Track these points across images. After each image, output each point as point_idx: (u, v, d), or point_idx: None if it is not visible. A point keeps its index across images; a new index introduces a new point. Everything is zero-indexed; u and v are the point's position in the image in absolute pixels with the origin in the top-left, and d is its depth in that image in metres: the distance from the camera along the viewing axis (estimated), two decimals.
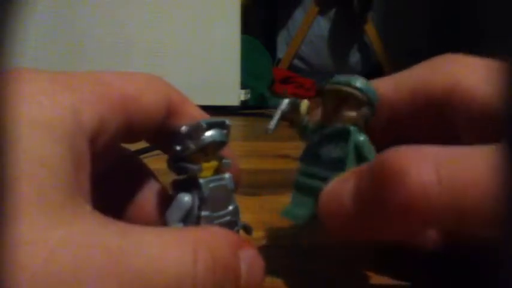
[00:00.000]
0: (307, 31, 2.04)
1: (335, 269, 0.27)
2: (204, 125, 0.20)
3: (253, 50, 1.45)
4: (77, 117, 0.17)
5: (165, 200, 0.22)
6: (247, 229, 0.23)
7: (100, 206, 0.16)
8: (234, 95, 1.20)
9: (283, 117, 0.23)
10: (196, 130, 0.20)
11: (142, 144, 0.24)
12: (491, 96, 0.20)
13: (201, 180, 0.21)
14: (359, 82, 0.22)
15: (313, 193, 0.21)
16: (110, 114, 0.18)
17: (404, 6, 2.12)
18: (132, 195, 0.23)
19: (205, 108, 0.23)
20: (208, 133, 0.21)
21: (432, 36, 2.07)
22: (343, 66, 2.22)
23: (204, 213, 0.21)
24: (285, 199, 0.25)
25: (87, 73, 0.19)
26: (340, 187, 0.20)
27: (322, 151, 0.23)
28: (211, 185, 0.21)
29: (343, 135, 0.22)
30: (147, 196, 0.23)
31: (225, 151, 0.22)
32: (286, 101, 0.24)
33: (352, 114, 0.22)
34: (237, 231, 0.22)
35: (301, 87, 1.85)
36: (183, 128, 0.20)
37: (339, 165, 0.21)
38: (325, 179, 0.21)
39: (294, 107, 0.24)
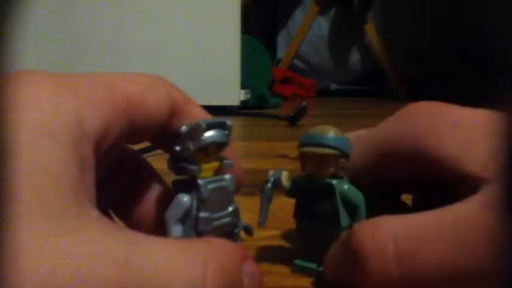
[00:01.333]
0: (307, 31, 2.05)
1: None
2: (204, 126, 0.20)
3: (253, 50, 1.45)
4: (81, 122, 0.16)
5: (168, 200, 0.22)
6: (248, 230, 0.23)
7: (103, 206, 0.16)
8: (234, 95, 1.20)
9: (270, 200, 0.25)
10: (196, 130, 0.20)
11: (144, 144, 0.24)
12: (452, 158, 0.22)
13: (200, 181, 0.21)
14: (330, 139, 0.24)
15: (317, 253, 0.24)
16: (113, 117, 0.18)
17: (405, 6, 2.12)
18: (135, 194, 0.23)
19: (205, 108, 0.23)
20: (209, 133, 0.20)
21: (432, 36, 2.07)
22: (343, 66, 2.22)
23: (202, 214, 0.20)
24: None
25: (90, 75, 0.19)
26: (333, 253, 0.23)
27: (314, 208, 0.25)
28: (210, 186, 0.21)
29: (328, 190, 0.24)
30: (150, 195, 0.23)
31: (227, 151, 0.22)
32: (268, 187, 0.25)
33: (331, 169, 0.24)
34: (238, 232, 0.22)
35: (301, 87, 1.85)
36: (183, 128, 0.20)
37: (333, 218, 0.24)
38: (325, 232, 0.24)
39: (276, 185, 0.25)
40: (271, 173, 0.25)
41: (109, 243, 0.15)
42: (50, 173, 0.14)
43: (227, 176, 0.22)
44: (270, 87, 1.55)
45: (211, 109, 0.27)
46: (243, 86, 1.24)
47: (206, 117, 0.22)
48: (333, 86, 2.23)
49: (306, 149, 0.24)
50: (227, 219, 0.21)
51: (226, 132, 0.21)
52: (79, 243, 0.14)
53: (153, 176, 0.24)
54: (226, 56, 1.20)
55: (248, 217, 0.24)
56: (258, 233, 0.25)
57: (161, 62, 1.17)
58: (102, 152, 0.18)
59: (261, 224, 0.25)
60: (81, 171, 0.16)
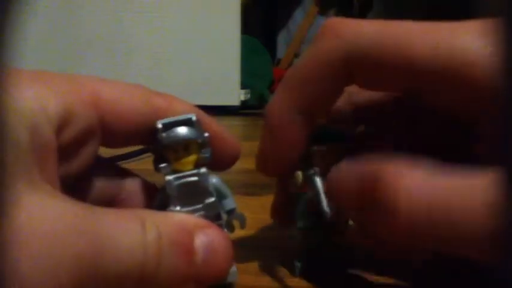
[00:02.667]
0: (307, 31, 2.05)
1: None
2: (160, 126, 0.21)
3: (253, 50, 1.45)
4: (44, 107, 0.18)
5: (144, 194, 0.24)
6: (241, 221, 0.24)
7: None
8: (234, 95, 1.20)
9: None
10: (155, 131, 0.21)
11: (134, 147, 0.24)
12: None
13: (168, 177, 0.22)
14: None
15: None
16: (78, 106, 0.19)
17: (404, 6, 2.12)
18: (117, 195, 0.24)
19: (205, 108, 0.24)
20: (170, 133, 0.21)
21: None
22: None
23: (172, 208, 0.21)
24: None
25: (65, 74, 0.20)
26: (345, 178, 0.20)
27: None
28: (177, 182, 0.22)
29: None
30: (131, 197, 0.24)
31: (210, 124, 0.23)
32: (317, 180, 0.23)
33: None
34: (220, 225, 0.23)
35: None
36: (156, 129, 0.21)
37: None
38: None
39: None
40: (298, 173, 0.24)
41: (58, 205, 0.16)
42: (14, 149, 0.16)
43: (201, 170, 0.22)
44: (270, 87, 1.55)
45: (211, 109, 0.27)
46: (243, 86, 1.24)
47: (190, 113, 0.22)
48: None
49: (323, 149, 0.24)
50: (201, 213, 0.22)
51: (193, 128, 0.22)
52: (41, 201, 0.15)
53: (132, 178, 0.24)
54: (226, 56, 1.20)
55: (248, 217, 0.24)
56: (256, 233, 0.25)
57: (161, 62, 1.17)
58: (70, 140, 0.19)
59: (328, 214, 0.22)
60: (39, 152, 0.17)
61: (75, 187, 0.19)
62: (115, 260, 0.16)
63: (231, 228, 0.23)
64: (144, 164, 0.24)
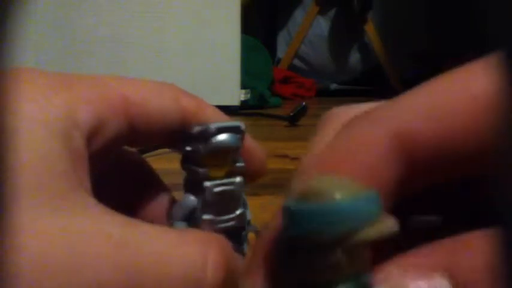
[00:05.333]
0: (307, 31, 2.05)
1: None
2: (213, 129, 0.20)
3: (253, 50, 1.45)
4: (72, 114, 0.17)
5: (168, 201, 0.22)
6: (257, 234, 0.23)
7: (103, 204, 0.16)
8: (234, 95, 1.21)
9: None
10: (206, 134, 0.20)
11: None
12: None
13: (207, 183, 0.20)
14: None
15: None
16: (109, 114, 0.18)
17: (404, 6, 2.12)
18: (137, 197, 0.23)
19: None
20: (219, 137, 0.20)
21: (432, 36, 2.07)
22: (343, 66, 2.22)
23: (206, 216, 0.20)
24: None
25: (88, 76, 0.19)
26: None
27: None
28: (216, 189, 0.21)
29: None
30: (152, 198, 0.23)
31: (247, 142, 0.22)
32: None
33: None
34: (245, 236, 0.22)
35: (301, 87, 1.85)
36: (194, 130, 0.20)
37: None
38: None
39: None
40: None
41: (105, 223, 0.14)
42: (45, 160, 0.15)
43: (237, 179, 0.21)
44: (270, 87, 1.55)
45: None
46: (243, 86, 1.24)
47: (221, 119, 0.22)
48: (333, 86, 2.23)
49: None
50: (232, 223, 0.21)
51: (238, 136, 0.21)
52: (75, 222, 0.14)
53: (154, 178, 0.24)
54: (226, 56, 1.20)
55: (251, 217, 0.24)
56: None
57: (161, 62, 1.17)
58: (99, 148, 0.18)
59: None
60: (73, 162, 0.16)
61: (100, 185, 0.18)
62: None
63: (247, 241, 0.23)
64: (158, 162, 0.24)
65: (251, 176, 0.23)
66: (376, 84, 2.12)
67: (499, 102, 0.08)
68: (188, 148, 0.21)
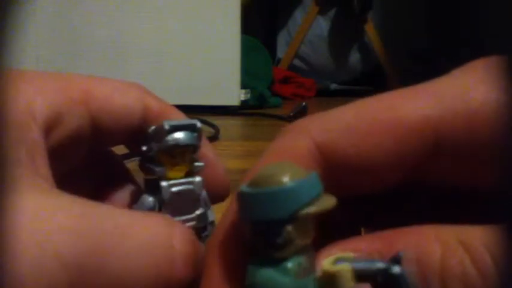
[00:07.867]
0: (307, 31, 2.05)
1: None
2: (167, 127, 0.20)
3: (253, 50, 1.45)
4: (30, 106, 0.17)
5: (137, 198, 0.22)
6: None
7: None
8: (234, 95, 1.20)
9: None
10: (160, 132, 0.20)
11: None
12: None
13: (164, 183, 0.20)
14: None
15: None
16: (68, 106, 0.18)
17: (404, 6, 2.12)
18: (106, 191, 0.23)
19: (205, 108, 0.23)
20: (175, 135, 0.20)
21: (432, 36, 2.07)
22: (343, 66, 2.22)
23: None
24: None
25: (53, 73, 0.19)
26: None
27: None
28: (173, 189, 0.20)
29: None
30: (121, 193, 0.23)
31: (206, 152, 0.21)
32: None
33: None
34: (205, 237, 0.21)
35: (301, 87, 1.85)
36: (150, 129, 0.20)
37: None
38: None
39: None
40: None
41: (64, 201, 0.15)
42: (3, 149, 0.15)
43: (197, 179, 0.21)
44: (270, 87, 1.55)
45: (211, 109, 0.27)
46: (243, 86, 1.24)
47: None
48: (333, 86, 2.23)
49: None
50: (192, 223, 0.21)
51: (195, 134, 0.20)
52: (33, 201, 0.14)
53: (124, 174, 0.24)
54: (226, 56, 1.20)
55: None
56: None
57: (161, 62, 1.17)
58: (62, 139, 0.18)
59: None
60: (29, 151, 0.16)
61: (67, 185, 0.18)
62: (122, 262, 0.14)
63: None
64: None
65: (214, 197, 0.22)
66: (376, 84, 2.12)
67: (501, 108, 0.08)
68: (144, 148, 0.20)
